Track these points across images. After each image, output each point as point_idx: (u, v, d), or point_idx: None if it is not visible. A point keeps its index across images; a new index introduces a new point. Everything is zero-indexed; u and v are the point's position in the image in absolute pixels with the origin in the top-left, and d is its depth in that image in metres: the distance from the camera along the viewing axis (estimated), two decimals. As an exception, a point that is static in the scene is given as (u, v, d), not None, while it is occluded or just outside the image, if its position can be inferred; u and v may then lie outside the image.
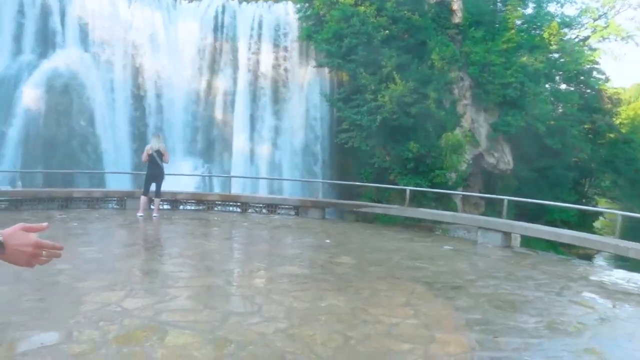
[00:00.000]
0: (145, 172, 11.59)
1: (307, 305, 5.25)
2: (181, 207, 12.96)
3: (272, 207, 12.88)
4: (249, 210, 12.88)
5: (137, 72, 25.83)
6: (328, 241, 9.28)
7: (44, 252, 1.64)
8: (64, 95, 23.53)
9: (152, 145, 11.31)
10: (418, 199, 19.84)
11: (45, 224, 1.74)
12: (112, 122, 24.77)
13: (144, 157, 11.33)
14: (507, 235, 9.59)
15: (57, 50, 24.78)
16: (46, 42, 25.00)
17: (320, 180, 20.08)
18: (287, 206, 12.90)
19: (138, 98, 25.72)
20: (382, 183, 19.81)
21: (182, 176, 17.87)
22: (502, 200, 11.26)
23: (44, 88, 23.05)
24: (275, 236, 9.75)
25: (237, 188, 23.37)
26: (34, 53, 24.65)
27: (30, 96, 22.76)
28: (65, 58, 24.26)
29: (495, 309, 5.50)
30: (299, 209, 12.69)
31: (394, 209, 11.96)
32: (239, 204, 12.94)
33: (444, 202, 22.98)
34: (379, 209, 12.12)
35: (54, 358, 3.72)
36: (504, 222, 9.81)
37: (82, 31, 25.51)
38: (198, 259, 7.39)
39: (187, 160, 25.40)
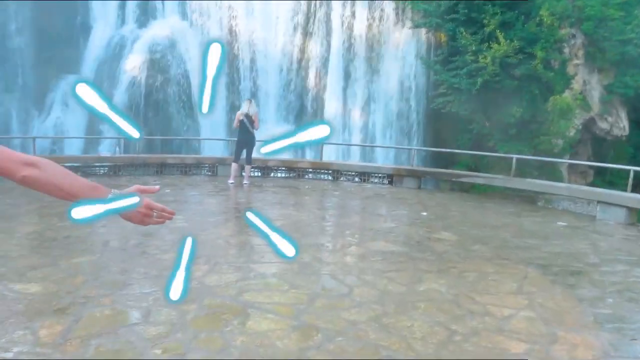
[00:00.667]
0: (236, 138, 11.40)
1: (404, 289, 4.68)
2: (272, 174, 12.74)
3: (364, 175, 12.32)
4: (341, 179, 12.40)
5: (232, 37, 25.97)
6: (425, 214, 8.61)
7: (154, 214, 1.75)
8: (163, 63, 24.11)
9: (243, 110, 11.07)
10: (519, 167, 18.45)
11: (157, 187, 1.89)
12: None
13: (235, 123, 11.12)
14: (631, 211, 8.40)
15: (158, 19, 25.36)
16: (147, 12, 25.70)
17: (416, 148, 19.10)
18: (380, 174, 12.28)
19: (233, 64, 25.93)
20: (480, 150, 18.59)
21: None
22: (618, 170, 9.90)
23: (145, 56, 23.70)
24: (368, 207, 9.20)
25: (329, 155, 23.28)
26: (136, 23, 25.42)
27: (132, 64, 23.52)
28: (164, 27, 24.78)
29: (629, 302, 4.64)
30: (393, 177, 12.03)
31: (498, 179, 10.95)
32: (330, 171, 12.50)
33: (548, 171, 21.29)
34: (481, 179, 11.15)
35: (126, 340, 3.45)
36: (629, 197, 8.59)
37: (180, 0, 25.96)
38: (287, 231, 7.00)
39: (280, 126, 25.36)
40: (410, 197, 10.38)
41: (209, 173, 12.56)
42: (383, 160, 22.53)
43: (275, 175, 12.72)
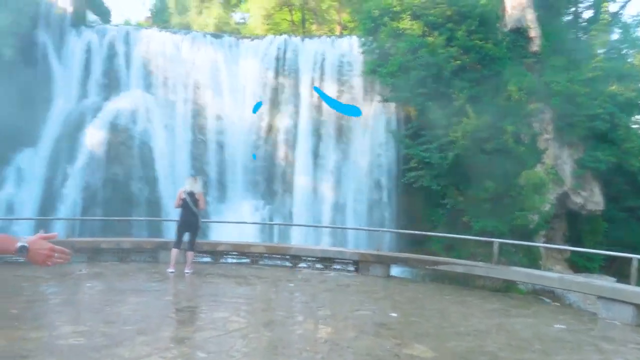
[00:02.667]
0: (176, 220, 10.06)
1: None
2: (222, 259, 11.29)
3: (327, 261, 10.96)
4: (300, 265, 11.00)
5: (198, 111, 25.20)
6: (394, 315, 7.23)
7: (56, 254, 2.33)
8: (125, 136, 23.04)
9: (186, 188, 9.79)
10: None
11: (55, 233, 2.56)
12: (171, 162, 24.07)
13: (177, 202, 9.83)
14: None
15: (122, 92, 24.54)
16: (111, 85, 24.90)
17: (385, 230, 17.80)
18: (345, 260, 10.93)
19: (199, 137, 25.00)
20: (455, 226, 17.51)
21: (239, 224, 16.32)
22: (621, 257, 8.67)
23: (107, 129, 22.64)
24: (325, 305, 7.77)
25: (298, 235, 21.94)
26: (99, 95, 24.54)
27: (93, 137, 22.40)
28: (128, 99, 23.95)
29: None
30: (359, 264, 10.68)
31: (480, 268, 9.63)
32: (288, 257, 11.10)
33: (525, 248, 20.25)
34: (460, 266, 9.78)
35: None
36: (635, 292, 7.32)
37: (145, 72, 25.29)
38: (202, 352, 5.55)
39: (248, 201, 24.18)
40: (378, 289, 9.01)
41: (149, 259, 11.06)
42: (355, 239, 21.26)
43: (225, 261, 11.26)
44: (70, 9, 25.17)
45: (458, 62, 21.28)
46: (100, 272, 9.76)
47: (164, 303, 7.89)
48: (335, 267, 10.86)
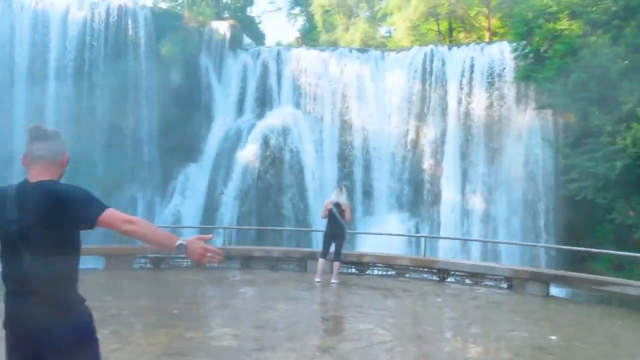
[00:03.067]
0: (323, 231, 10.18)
1: None
2: (368, 271, 11.19)
3: (476, 276, 10.33)
4: (448, 280, 10.51)
5: (344, 125, 25.71)
6: (554, 338, 6.54)
7: (209, 254, 2.55)
8: (277, 150, 24.20)
9: (332, 198, 9.88)
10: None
11: (210, 235, 2.94)
12: (320, 176, 24.80)
13: (323, 213, 9.95)
14: None
15: (274, 109, 25.92)
16: (264, 102, 26.45)
17: (542, 245, 16.39)
18: (497, 276, 10.22)
19: (346, 150, 25.47)
20: (625, 243, 15.56)
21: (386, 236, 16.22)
22: None
23: (260, 144, 23.98)
24: (476, 323, 7.27)
25: (445, 248, 21.20)
26: (253, 113, 26.19)
27: (248, 153, 23.87)
28: (279, 116, 25.18)
29: None
30: (513, 281, 9.91)
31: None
32: (435, 270, 10.68)
33: None
34: (633, 288, 8.57)
35: None
36: None
37: (295, 90, 26.47)
38: (352, 358, 5.43)
39: (394, 214, 24.02)
40: (535, 310, 8.26)
41: (298, 268, 11.34)
42: (507, 255, 19.96)
43: (371, 273, 11.14)
44: (228, 34, 27.23)
45: (626, 62, 19.11)
46: (252, 279, 10.21)
47: (311, 311, 7.98)
48: (486, 283, 10.20)
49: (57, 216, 2.55)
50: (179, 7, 33.08)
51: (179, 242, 2.55)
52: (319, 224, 22.30)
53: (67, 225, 2.59)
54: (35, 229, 2.51)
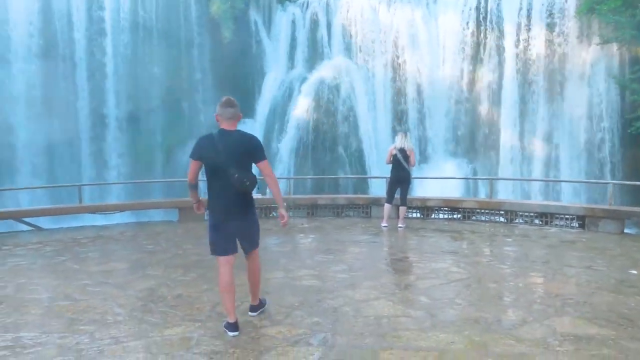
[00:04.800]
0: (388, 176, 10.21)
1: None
2: (433, 215, 11.21)
3: (546, 216, 10.18)
4: (516, 221, 10.42)
5: (397, 72, 25.30)
6: (635, 272, 6.44)
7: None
8: (330, 102, 24.13)
9: (396, 144, 9.87)
10: None
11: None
12: (374, 125, 24.67)
13: (388, 158, 9.97)
14: None
15: (325, 60, 25.71)
16: (315, 54, 26.26)
17: (617, 182, 15.71)
18: (567, 216, 10.04)
19: (399, 99, 25.16)
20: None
21: (439, 179, 16.09)
22: None
23: (313, 97, 23.95)
24: (551, 261, 7.22)
25: (505, 192, 20.87)
26: (304, 66, 26.08)
27: (300, 107, 23.93)
28: (331, 67, 24.96)
29: None
30: (585, 219, 9.72)
31: None
32: (502, 212, 10.59)
33: None
34: None
35: None
36: None
37: (345, 39, 26.11)
38: (443, 295, 5.54)
39: (450, 160, 23.73)
40: (611, 247, 8.11)
41: (363, 214, 11.49)
42: (571, 199, 19.47)
43: (436, 217, 11.17)
44: (276, -14, 26.90)
45: (702, -14, 17.79)
46: (319, 226, 10.46)
47: (382, 254, 8.13)
48: (556, 223, 10.05)
49: (246, 151, 4.41)
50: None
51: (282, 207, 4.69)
52: (375, 172, 22.48)
53: (250, 157, 4.44)
54: (236, 157, 4.33)
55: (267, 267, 6.64)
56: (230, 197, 4.39)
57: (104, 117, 23.78)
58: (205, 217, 11.42)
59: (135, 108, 24.02)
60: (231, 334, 4.30)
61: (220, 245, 4.46)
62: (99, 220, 11.61)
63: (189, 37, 25.03)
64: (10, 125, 21.62)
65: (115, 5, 24.12)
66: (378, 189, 20.28)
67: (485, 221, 10.70)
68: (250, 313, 4.84)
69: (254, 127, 25.00)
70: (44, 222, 11.25)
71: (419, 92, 24.89)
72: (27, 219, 11.06)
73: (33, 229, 11.01)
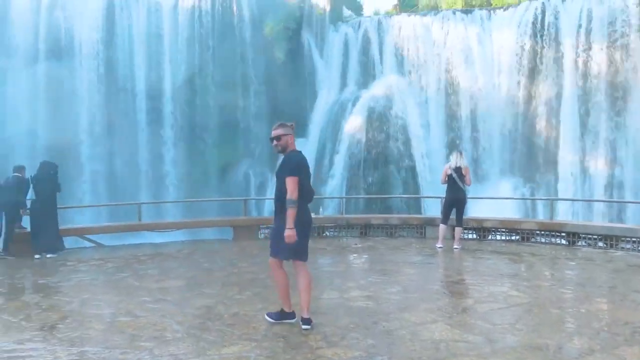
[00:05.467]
0: (443, 196, 10.04)
1: None
2: (489, 236, 10.93)
3: (611, 239, 9.73)
4: (578, 243, 10.01)
5: (450, 89, 25.04)
6: None
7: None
8: (382, 120, 24.08)
9: (451, 163, 9.72)
10: None
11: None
12: (427, 144, 24.43)
13: (442, 177, 9.82)
14: None
15: (377, 79, 25.78)
16: (367, 73, 26.38)
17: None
18: (635, 239, 9.55)
19: (452, 116, 24.86)
20: None
21: (494, 199, 15.67)
22: None
23: (365, 115, 23.98)
24: (618, 286, 6.86)
25: (565, 213, 20.11)
26: (356, 84, 26.22)
27: (353, 126, 23.99)
28: (383, 86, 24.99)
29: None
30: (654, 243, 9.23)
31: None
32: (563, 234, 10.20)
33: None
34: None
35: None
36: None
37: (398, 58, 26.13)
38: (506, 320, 5.37)
39: (506, 180, 23.13)
40: (683, 272, 7.66)
41: (417, 235, 11.34)
42: (637, 221, 18.58)
43: (493, 238, 10.88)
44: (328, 8, 27.32)
45: None
46: (372, 246, 10.38)
47: (438, 275, 7.98)
48: (622, 246, 9.58)
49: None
50: (278, -14, 33.58)
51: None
52: (428, 192, 22.16)
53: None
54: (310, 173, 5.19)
55: (321, 287, 6.64)
56: (308, 209, 5.12)
57: (161, 137, 24.65)
58: (260, 236, 11.61)
59: (190, 128, 24.78)
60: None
61: (307, 252, 5.13)
62: (156, 237, 11.93)
63: (243, 58, 25.65)
64: (76, 146, 22.72)
65: (174, 25, 25.12)
66: (432, 208, 19.97)
67: (545, 243, 10.33)
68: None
69: (306, 146, 25.19)
70: (104, 239, 11.67)
71: (473, 109, 24.53)
72: (89, 236, 11.50)
73: (95, 245, 11.42)
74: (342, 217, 11.94)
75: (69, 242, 11.36)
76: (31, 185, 10.16)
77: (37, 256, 9.89)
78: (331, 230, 11.74)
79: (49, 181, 10.19)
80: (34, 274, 8.47)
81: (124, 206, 17.71)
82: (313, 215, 11.82)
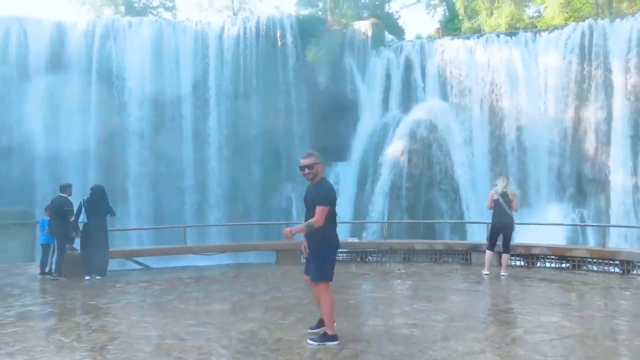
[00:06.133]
0: (489, 222, 9.83)
1: None
2: (538, 263, 10.60)
3: (669, 268, 9.29)
4: (633, 272, 9.59)
5: (495, 113, 24.68)
6: None
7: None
8: (425, 144, 23.88)
9: (497, 188, 9.53)
10: None
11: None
12: (471, 168, 24.08)
13: (489, 203, 9.63)
14: None
15: (419, 102, 25.68)
16: (409, 97, 26.31)
17: None
18: (694, 268, 9.10)
19: (497, 140, 24.42)
20: None
21: (542, 226, 15.22)
22: None
23: (407, 139, 23.85)
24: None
25: (617, 240, 19.34)
26: (398, 108, 26.18)
27: (395, 149, 23.89)
28: (426, 110, 24.87)
29: None
30: None
31: None
32: (617, 262, 9.81)
33: None
34: None
35: None
36: None
37: (440, 81, 26.00)
38: (536, 354, 5.18)
39: (554, 205, 22.48)
40: None
41: (462, 261, 11.11)
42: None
43: (542, 266, 10.55)
44: (370, 32, 27.55)
45: None
46: (416, 272, 10.22)
47: (485, 304, 7.78)
48: (681, 275, 9.14)
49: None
50: (319, 12, 34.14)
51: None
52: (472, 216, 21.74)
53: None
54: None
55: (365, 314, 6.58)
56: (337, 234, 5.48)
57: (206, 163, 25.24)
58: (303, 260, 11.61)
59: (234, 152, 25.27)
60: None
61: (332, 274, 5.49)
62: (199, 260, 12.10)
63: (286, 83, 26.07)
64: (125, 168, 23.59)
65: (219, 51, 25.86)
66: (476, 234, 19.58)
67: (597, 271, 9.95)
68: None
69: (347, 170, 25.27)
70: (150, 261, 11.91)
71: (519, 132, 24.07)
72: (137, 258, 11.77)
73: (142, 267, 11.67)
74: (385, 242, 11.83)
75: (117, 264, 11.66)
76: (83, 208, 10.48)
77: (87, 277, 10.19)
78: (374, 255, 11.66)
79: (101, 204, 10.50)
80: (84, 295, 8.71)
81: (166, 229, 18.22)
82: (356, 239, 11.83)
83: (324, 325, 5.44)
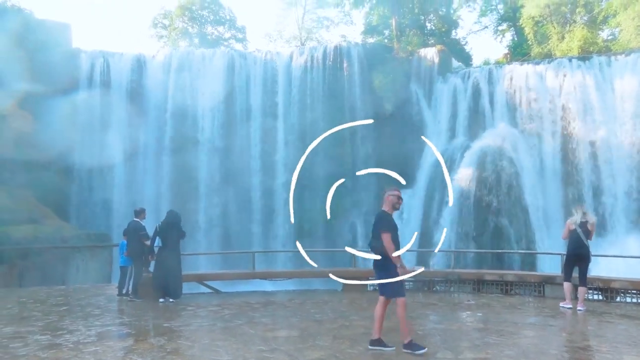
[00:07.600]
0: (564, 253, 9.46)
1: None
2: (617, 298, 10.06)
3: None
4: None
5: (567, 140, 23.81)
6: None
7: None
8: (493, 171, 23.36)
9: (575, 218, 9.18)
10: None
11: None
12: (543, 196, 23.28)
13: (565, 233, 9.28)
14: None
15: (487, 129, 25.22)
16: (476, 123, 25.89)
17: None
18: None
19: (570, 166, 23.51)
20: None
21: (621, 258, 14.39)
22: None
23: (475, 166, 23.43)
24: None
25: None
26: (465, 135, 25.80)
27: (462, 177, 23.52)
28: (494, 136, 24.40)
29: None
30: None
31: None
32: None
33: None
34: None
35: None
36: None
37: (509, 107, 25.47)
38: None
39: (634, 235, 21.30)
40: None
41: (535, 293, 10.70)
42: None
43: (622, 301, 9.99)
44: (437, 59, 27.48)
45: None
46: (486, 303, 9.94)
47: (561, 340, 7.45)
48: None
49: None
50: (385, 40, 34.39)
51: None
52: (544, 247, 20.90)
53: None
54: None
55: (434, 346, 6.47)
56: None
57: (273, 190, 25.77)
58: (368, 288, 11.58)
59: (300, 178, 25.62)
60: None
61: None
62: (266, 285, 12.30)
63: (352, 111, 26.33)
64: (196, 196, 24.47)
65: (287, 79, 26.62)
66: (548, 264, 18.81)
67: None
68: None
69: (413, 197, 24.99)
70: (219, 285, 12.23)
71: (594, 159, 23.13)
72: (208, 282, 12.11)
73: (212, 291, 11.99)
74: (453, 271, 11.59)
75: (188, 287, 12.05)
76: (158, 233, 10.95)
77: (161, 300, 10.57)
78: (441, 284, 11.45)
79: (175, 229, 10.93)
80: (158, 317, 9.05)
81: (234, 254, 18.68)
82: (423, 268, 11.66)
83: (377, 344, 6.27)
